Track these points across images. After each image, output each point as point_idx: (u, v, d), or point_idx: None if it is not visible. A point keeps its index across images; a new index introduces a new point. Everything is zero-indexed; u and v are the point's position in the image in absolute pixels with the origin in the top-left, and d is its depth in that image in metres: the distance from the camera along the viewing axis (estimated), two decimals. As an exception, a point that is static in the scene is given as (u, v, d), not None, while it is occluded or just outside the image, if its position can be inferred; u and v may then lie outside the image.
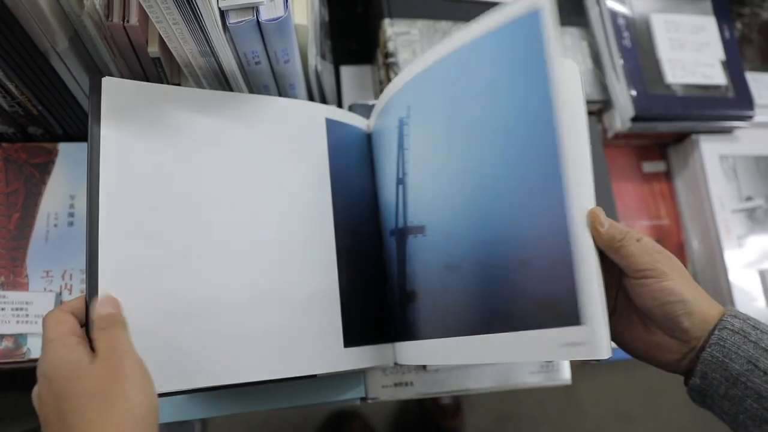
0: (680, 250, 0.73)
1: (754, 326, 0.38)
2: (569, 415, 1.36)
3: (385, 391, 0.55)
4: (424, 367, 0.56)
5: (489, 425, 1.29)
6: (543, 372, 0.57)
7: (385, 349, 0.48)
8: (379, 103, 0.52)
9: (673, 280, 0.38)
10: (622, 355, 0.74)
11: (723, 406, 0.38)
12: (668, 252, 0.40)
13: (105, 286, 0.38)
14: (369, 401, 0.54)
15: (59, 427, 0.31)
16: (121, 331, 0.36)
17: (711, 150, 0.71)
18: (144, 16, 0.43)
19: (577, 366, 0.67)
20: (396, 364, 0.49)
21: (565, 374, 0.58)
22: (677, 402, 1.41)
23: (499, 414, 1.30)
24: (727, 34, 0.71)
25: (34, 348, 0.50)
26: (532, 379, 0.57)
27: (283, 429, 1.14)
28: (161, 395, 0.38)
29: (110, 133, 0.41)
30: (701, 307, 0.39)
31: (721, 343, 0.37)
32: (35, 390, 0.35)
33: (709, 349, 0.38)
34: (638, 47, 0.69)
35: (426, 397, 0.56)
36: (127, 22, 0.42)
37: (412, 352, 0.46)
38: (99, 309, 0.37)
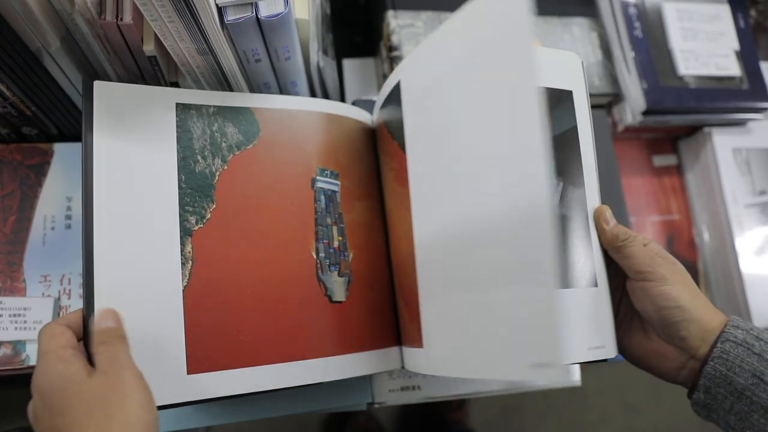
0: (691, 246, 0.71)
1: (757, 337, 0.37)
2: (574, 406, 1.35)
3: (392, 396, 0.54)
4: (431, 369, 0.55)
5: (494, 417, 1.29)
6: (552, 374, 0.56)
7: None
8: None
9: (671, 286, 0.38)
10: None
11: (729, 420, 0.37)
12: (674, 259, 0.40)
13: (102, 293, 0.38)
14: (376, 406, 0.53)
15: None
16: (122, 346, 0.35)
17: (724, 143, 0.69)
18: (138, 13, 0.41)
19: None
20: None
21: (575, 376, 0.57)
22: (682, 393, 1.41)
23: (504, 406, 1.30)
24: (741, 23, 0.69)
25: (33, 355, 0.49)
26: (541, 381, 0.56)
27: (288, 422, 1.14)
28: (166, 407, 0.37)
29: (104, 138, 0.40)
30: (701, 315, 0.38)
31: (724, 356, 0.36)
32: (30, 405, 0.34)
33: (712, 363, 0.37)
34: (650, 38, 0.66)
35: (434, 400, 0.54)
36: (121, 20, 0.40)
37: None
38: (99, 322, 0.36)
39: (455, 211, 0.38)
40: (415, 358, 0.43)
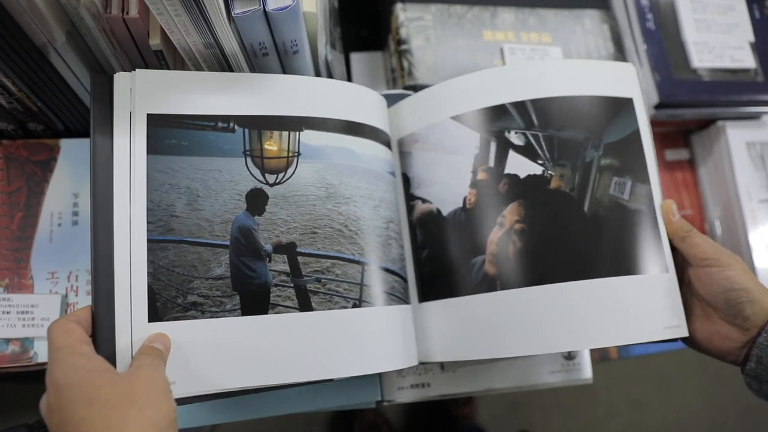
0: (704, 242, 0.70)
1: None
2: (582, 402, 1.35)
3: (401, 393, 0.53)
4: (441, 366, 0.55)
5: (501, 412, 1.29)
6: (563, 371, 0.56)
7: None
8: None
9: (735, 271, 0.42)
10: (639, 350, 0.72)
11: None
12: (731, 252, 0.44)
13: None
14: (385, 404, 0.53)
15: None
16: (161, 362, 0.37)
17: (737, 137, 0.68)
18: (144, 7, 0.41)
19: (596, 362, 0.65)
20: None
21: (587, 373, 0.56)
22: (689, 389, 1.40)
23: (511, 402, 1.30)
24: (757, 14, 0.68)
25: (40, 352, 0.49)
26: (552, 378, 0.55)
27: (296, 419, 1.14)
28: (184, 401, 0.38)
29: (138, 128, 0.41)
30: (763, 297, 0.41)
31: None
32: (43, 400, 0.34)
33: (765, 334, 0.39)
34: (662, 30, 0.65)
35: (444, 398, 0.54)
36: (127, 14, 0.40)
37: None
38: (150, 341, 0.38)
39: None
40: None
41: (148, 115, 0.41)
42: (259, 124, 0.44)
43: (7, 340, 0.48)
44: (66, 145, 0.53)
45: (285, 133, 0.44)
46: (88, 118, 0.49)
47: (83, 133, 0.55)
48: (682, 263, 0.46)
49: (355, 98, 0.48)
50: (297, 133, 0.45)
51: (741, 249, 0.66)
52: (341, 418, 1.15)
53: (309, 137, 0.45)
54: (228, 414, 0.49)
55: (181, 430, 0.49)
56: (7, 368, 0.48)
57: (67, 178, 0.53)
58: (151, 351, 0.37)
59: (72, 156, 0.53)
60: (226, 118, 0.43)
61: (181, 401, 0.39)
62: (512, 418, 1.29)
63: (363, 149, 0.47)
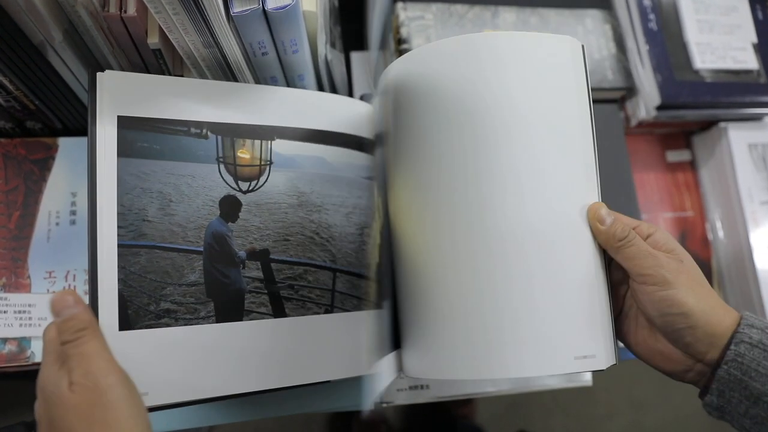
0: (704, 244, 0.70)
1: None
2: (581, 402, 1.35)
3: (400, 395, 0.53)
4: (439, 368, 0.54)
5: (501, 412, 1.28)
6: (563, 374, 0.55)
7: None
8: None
9: (676, 289, 0.35)
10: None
11: (744, 424, 0.35)
12: (682, 252, 0.37)
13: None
14: (384, 405, 0.52)
15: None
16: (91, 340, 0.32)
17: (739, 138, 0.68)
18: (143, 6, 0.40)
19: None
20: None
21: (586, 375, 0.56)
22: (689, 390, 1.40)
23: (511, 402, 1.30)
24: (760, 15, 0.68)
25: (38, 352, 0.49)
26: (551, 381, 0.55)
27: (295, 419, 1.14)
28: (167, 407, 0.37)
29: (109, 130, 0.39)
30: (708, 319, 0.35)
31: (739, 359, 0.34)
32: (36, 404, 0.33)
33: (725, 366, 0.35)
34: (665, 30, 0.65)
35: (443, 400, 0.54)
36: (125, 12, 0.40)
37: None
38: (58, 312, 0.32)
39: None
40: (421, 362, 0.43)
41: (118, 117, 0.40)
42: (232, 132, 0.43)
43: (5, 340, 0.48)
44: (64, 143, 0.53)
45: (257, 142, 0.44)
46: (86, 117, 0.49)
47: (81, 131, 0.55)
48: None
49: (328, 107, 0.48)
50: (269, 142, 0.45)
51: (742, 250, 0.66)
52: (340, 419, 1.15)
53: (281, 146, 0.45)
54: (226, 415, 0.49)
55: (178, 431, 0.49)
56: (5, 368, 0.48)
57: (65, 177, 0.52)
58: (70, 334, 0.32)
59: (70, 155, 0.53)
60: (198, 124, 0.43)
61: (173, 405, 0.38)
62: (511, 418, 1.29)
63: (335, 157, 0.47)
